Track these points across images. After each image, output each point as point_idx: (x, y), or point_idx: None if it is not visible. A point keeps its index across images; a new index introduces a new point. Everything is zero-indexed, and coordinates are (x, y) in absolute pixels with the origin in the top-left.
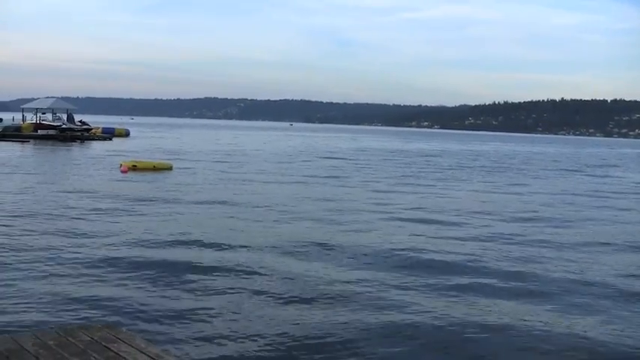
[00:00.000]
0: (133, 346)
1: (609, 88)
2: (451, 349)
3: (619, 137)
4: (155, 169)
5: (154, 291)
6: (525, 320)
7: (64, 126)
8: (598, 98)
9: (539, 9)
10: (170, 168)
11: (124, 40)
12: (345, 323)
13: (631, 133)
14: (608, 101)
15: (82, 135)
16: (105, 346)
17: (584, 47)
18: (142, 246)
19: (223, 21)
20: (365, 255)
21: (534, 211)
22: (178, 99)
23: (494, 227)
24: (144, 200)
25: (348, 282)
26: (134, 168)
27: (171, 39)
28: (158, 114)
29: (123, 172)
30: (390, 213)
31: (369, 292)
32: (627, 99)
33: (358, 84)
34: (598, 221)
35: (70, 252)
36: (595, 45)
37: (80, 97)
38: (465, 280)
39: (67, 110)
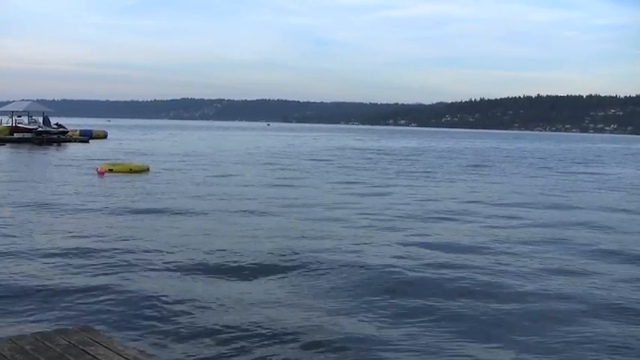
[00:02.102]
0: (110, 349)
1: (585, 84)
2: None
3: (595, 132)
4: (132, 171)
5: (132, 293)
6: None
7: (40, 129)
8: (574, 94)
9: (517, 6)
10: (147, 170)
11: (99, 41)
12: None
13: (607, 128)
14: (584, 97)
15: (59, 138)
16: (82, 350)
17: (560, 44)
18: (121, 249)
19: (199, 22)
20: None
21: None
22: (155, 100)
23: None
24: (119, 207)
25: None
26: (111, 171)
27: (147, 40)
28: (135, 115)
29: (100, 174)
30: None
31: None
32: (602, 94)
33: (335, 83)
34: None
35: (47, 253)
36: (571, 41)
37: (56, 99)
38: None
39: (43, 113)
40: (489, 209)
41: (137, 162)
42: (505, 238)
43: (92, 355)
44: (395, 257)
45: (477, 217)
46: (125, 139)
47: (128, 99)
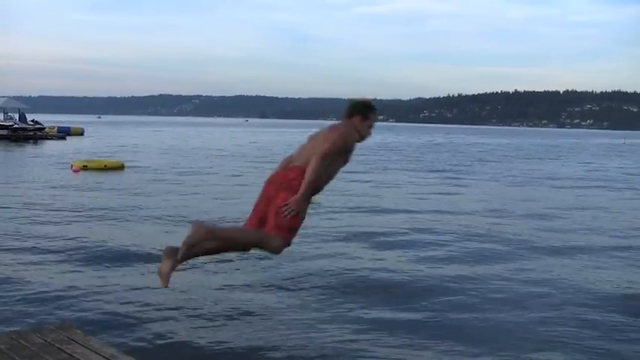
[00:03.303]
0: (87, 348)
1: (562, 80)
2: None
3: (571, 128)
4: (106, 168)
5: (109, 291)
6: None
7: (16, 126)
8: (551, 90)
9: (495, 3)
10: (122, 167)
11: (76, 38)
12: None
13: (583, 123)
14: (561, 92)
15: (35, 134)
16: (58, 348)
17: (538, 40)
18: (96, 247)
19: (177, 18)
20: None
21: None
22: (132, 96)
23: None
24: (91, 205)
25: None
26: (85, 168)
27: (125, 36)
28: (112, 112)
29: (74, 171)
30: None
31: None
32: (579, 90)
33: (313, 79)
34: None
35: (20, 251)
36: (548, 38)
37: (33, 95)
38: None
39: (19, 110)
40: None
41: (112, 159)
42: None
43: (69, 354)
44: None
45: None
46: (103, 136)
47: (105, 95)
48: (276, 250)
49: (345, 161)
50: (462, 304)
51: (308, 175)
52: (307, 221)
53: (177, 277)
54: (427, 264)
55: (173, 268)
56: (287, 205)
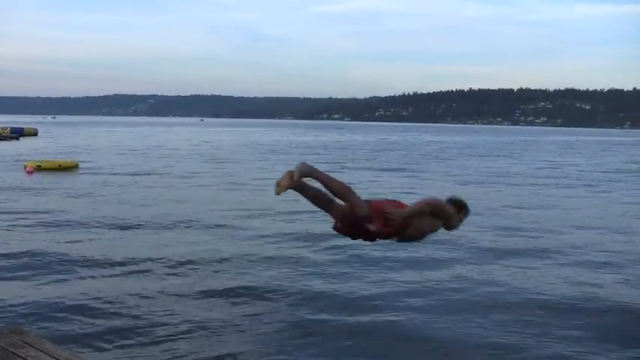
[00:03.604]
0: (41, 351)
1: (516, 78)
2: None
3: (525, 125)
4: (60, 168)
5: (63, 293)
6: None
7: None
8: (505, 88)
9: (450, 1)
10: (76, 167)
11: (29, 37)
12: None
13: (537, 120)
14: (515, 90)
15: None
16: (12, 352)
17: (492, 39)
18: (50, 251)
19: (133, 17)
20: None
21: None
22: (87, 96)
23: None
24: (44, 206)
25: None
26: (39, 168)
27: (78, 36)
28: (66, 112)
29: (28, 172)
30: None
31: None
32: (532, 88)
33: (269, 78)
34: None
35: None
36: (502, 36)
37: None
38: None
39: None
40: None
41: (66, 159)
42: None
43: (22, 358)
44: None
45: None
46: (58, 137)
47: (59, 95)
48: (358, 211)
49: (432, 230)
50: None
51: (409, 206)
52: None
53: (128, 282)
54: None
55: (289, 186)
56: (393, 211)
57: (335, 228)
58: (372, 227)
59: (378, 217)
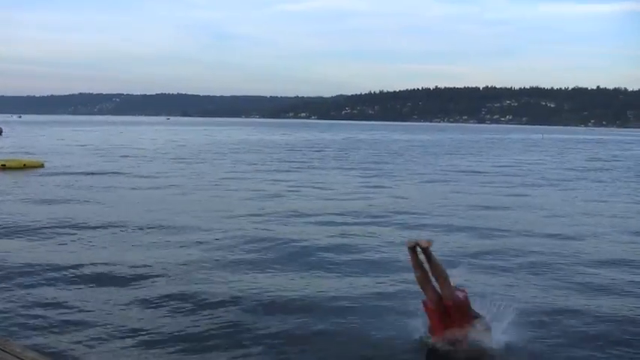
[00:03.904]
0: (7, 352)
1: (481, 77)
2: None
3: (491, 123)
4: (25, 167)
5: (29, 297)
6: None
7: None
8: (471, 86)
9: (415, 1)
10: (42, 166)
11: None
12: None
13: (502, 119)
14: (480, 89)
15: None
16: None
17: (456, 37)
18: (17, 251)
19: (98, 16)
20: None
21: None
22: (52, 95)
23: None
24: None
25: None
26: (3, 167)
27: (42, 34)
28: (31, 111)
29: None
30: None
31: None
32: (498, 86)
33: (235, 77)
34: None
35: None
36: (467, 35)
37: None
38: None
39: None
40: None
41: (31, 158)
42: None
43: None
44: None
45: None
46: (23, 136)
47: (24, 94)
48: (447, 302)
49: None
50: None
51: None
52: None
53: (91, 284)
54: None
55: (422, 245)
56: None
57: (425, 306)
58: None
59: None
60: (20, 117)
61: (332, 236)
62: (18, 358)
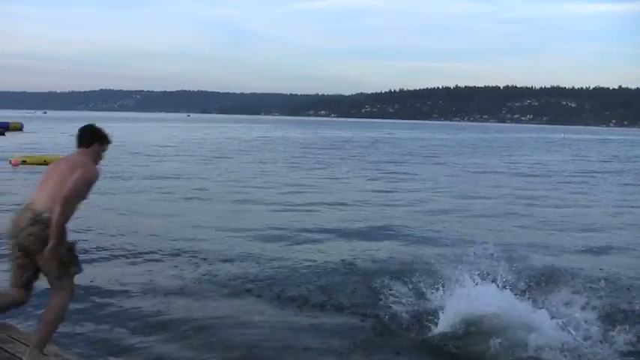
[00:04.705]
0: (29, 346)
1: (501, 75)
2: None
3: (512, 122)
4: (46, 163)
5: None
6: None
7: None
8: (491, 85)
9: None
10: None
11: (14, 32)
12: None
13: (523, 118)
14: (501, 88)
15: None
16: (0, 348)
17: (476, 36)
18: None
19: (118, 12)
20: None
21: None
22: (73, 91)
23: None
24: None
25: None
26: (24, 163)
27: (65, 30)
28: (52, 107)
29: (13, 166)
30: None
31: None
32: (519, 85)
33: (255, 74)
34: None
35: None
36: (486, 33)
37: None
38: None
39: None
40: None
41: (52, 154)
42: None
43: (10, 354)
44: None
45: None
46: (44, 131)
47: (45, 90)
48: None
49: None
50: None
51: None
52: None
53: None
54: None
55: None
56: None
57: None
58: None
59: None
60: (45, 113)
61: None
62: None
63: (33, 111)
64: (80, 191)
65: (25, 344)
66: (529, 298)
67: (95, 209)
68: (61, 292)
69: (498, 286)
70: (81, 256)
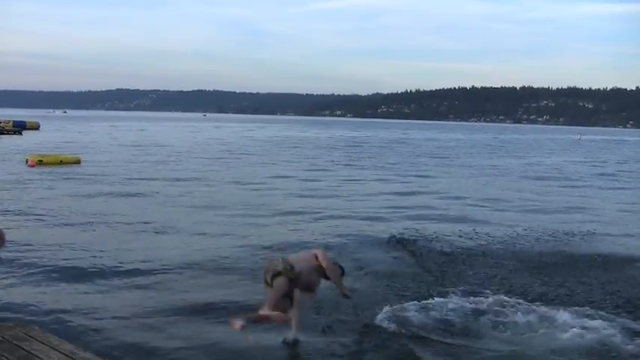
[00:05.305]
0: (45, 344)
1: (517, 76)
2: None
3: (528, 123)
4: (62, 163)
5: (66, 289)
6: None
7: None
8: (507, 86)
9: None
10: (78, 162)
11: (31, 31)
12: None
13: (539, 119)
14: (517, 88)
15: None
16: (16, 345)
17: (492, 36)
18: (57, 245)
19: (134, 11)
20: None
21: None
22: (89, 91)
23: None
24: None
25: None
26: (40, 163)
27: (79, 30)
28: (68, 106)
29: (30, 166)
30: None
31: None
32: (535, 86)
33: (271, 74)
34: None
35: None
36: (504, 34)
37: None
38: None
39: None
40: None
41: (68, 154)
42: None
43: (27, 351)
44: None
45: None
46: (60, 130)
47: (62, 89)
48: None
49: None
50: None
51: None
52: None
53: (128, 282)
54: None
55: None
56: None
57: None
58: None
59: None
60: (65, 112)
61: None
62: (56, 350)
63: (52, 110)
64: None
65: (41, 342)
66: None
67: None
68: None
69: None
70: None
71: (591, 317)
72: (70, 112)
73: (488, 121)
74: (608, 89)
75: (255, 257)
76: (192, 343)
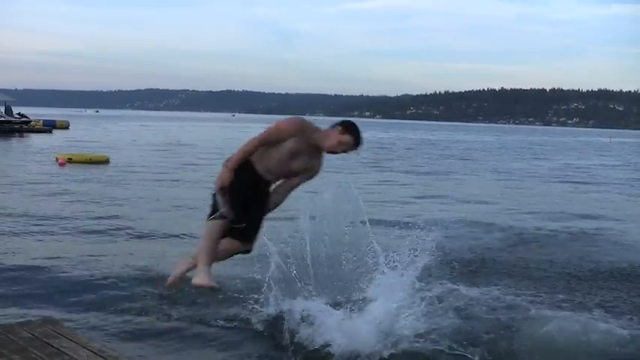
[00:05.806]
0: (74, 342)
1: (547, 78)
2: None
3: (557, 126)
4: (91, 161)
5: (96, 287)
6: None
7: (2, 118)
8: (537, 87)
9: (481, 0)
10: (107, 161)
11: (62, 31)
12: None
13: (569, 121)
14: (547, 90)
15: (22, 128)
16: (46, 342)
17: (522, 38)
18: (88, 241)
19: (163, 11)
20: None
21: None
22: (119, 90)
23: None
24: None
25: None
26: (69, 161)
27: (111, 30)
28: (98, 105)
29: (60, 164)
30: None
31: None
32: (565, 88)
33: (300, 74)
34: None
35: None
36: (533, 35)
37: (18, 89)
38: None
39: (5, 102)
40: None
41: (97, 153)
42: None
43: (56, 348)
44: None
45: None
46: (89, 130)
47: (92, 89)
48: None
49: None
50: None
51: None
52: None
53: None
54: None
55: None
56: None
57: None
58: None
59: None
60: (97, 112)
61: None
62: (84, 347)
63: (83, 109)
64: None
65: (70, 339)
66: None
67: None
68: None
69: None
70: None
71: (617, 324)
72: (103, 112)
73: (517, 123)
74: (638, 92)
75: None
76: None
